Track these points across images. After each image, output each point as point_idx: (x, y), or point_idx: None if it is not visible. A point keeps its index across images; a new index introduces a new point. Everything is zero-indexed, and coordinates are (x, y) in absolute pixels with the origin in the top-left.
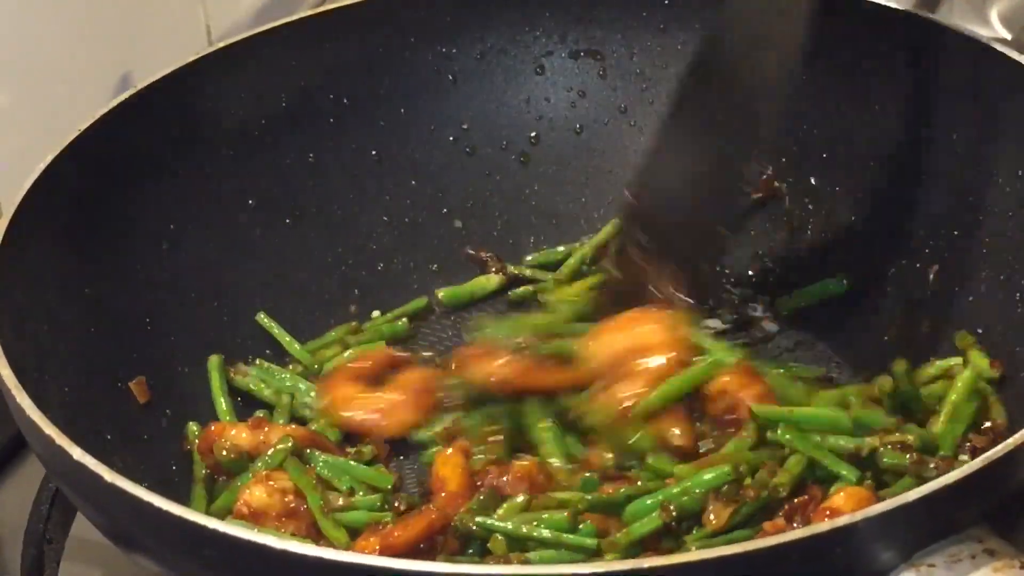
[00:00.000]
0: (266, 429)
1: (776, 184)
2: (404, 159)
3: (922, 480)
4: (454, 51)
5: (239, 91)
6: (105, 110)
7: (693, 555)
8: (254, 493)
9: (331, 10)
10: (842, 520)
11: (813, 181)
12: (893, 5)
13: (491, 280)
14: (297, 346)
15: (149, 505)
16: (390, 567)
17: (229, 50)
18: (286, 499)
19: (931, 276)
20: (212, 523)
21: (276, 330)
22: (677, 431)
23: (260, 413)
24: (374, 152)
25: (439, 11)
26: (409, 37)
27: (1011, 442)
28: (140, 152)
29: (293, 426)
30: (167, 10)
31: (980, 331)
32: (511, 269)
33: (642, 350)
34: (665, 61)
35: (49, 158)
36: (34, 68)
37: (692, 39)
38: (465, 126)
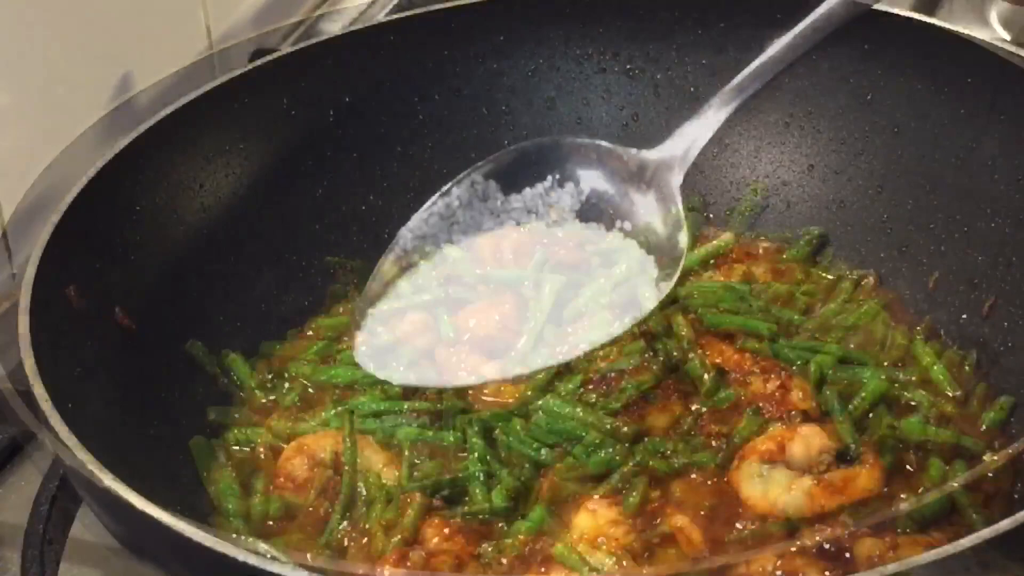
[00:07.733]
0: None
1: None
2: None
3: None
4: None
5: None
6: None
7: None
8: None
9: (379, 24)
10: (890, 568)
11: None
12: (894, 9)
13: None
14: None
15: (180, 535)
16: None
17: None
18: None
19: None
20: (241, 554)
21: None
22: None
23: None
24: (423, 167)
25: (492, 28)
26: (458, 53)
27: None
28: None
29: None
30: (167, 10)
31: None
32: None
33: None
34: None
35: (92, 172)
36: (34, 68)
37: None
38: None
